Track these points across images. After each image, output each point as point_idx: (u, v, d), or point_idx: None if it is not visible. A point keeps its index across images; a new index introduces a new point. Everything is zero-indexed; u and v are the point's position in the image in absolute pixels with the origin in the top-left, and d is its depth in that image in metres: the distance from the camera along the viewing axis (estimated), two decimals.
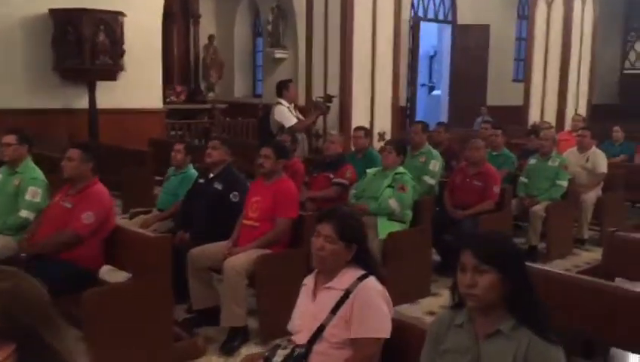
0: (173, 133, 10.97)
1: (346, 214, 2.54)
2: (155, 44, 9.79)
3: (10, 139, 4.32)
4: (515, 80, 14.59)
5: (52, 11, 8.58)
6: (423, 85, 16.12)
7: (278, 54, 12.55)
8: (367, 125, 7.61)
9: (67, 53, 8.58)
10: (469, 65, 14.28)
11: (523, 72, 12.69)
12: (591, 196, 6.59)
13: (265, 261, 3.91)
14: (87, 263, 3.66)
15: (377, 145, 7.66)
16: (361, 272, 2.41)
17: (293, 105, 6.95)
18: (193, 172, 5.16)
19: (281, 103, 6.77)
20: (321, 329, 2.35)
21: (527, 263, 2.06)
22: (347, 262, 2.43)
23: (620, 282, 3.64)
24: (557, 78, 11.70)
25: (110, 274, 4.14)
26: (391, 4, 8.50)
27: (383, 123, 8.61)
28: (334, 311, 2.35)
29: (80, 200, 3.71)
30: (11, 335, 1.16)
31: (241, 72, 14.50)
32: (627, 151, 8.56)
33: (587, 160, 6.79)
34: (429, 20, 14.51)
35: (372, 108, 8.50)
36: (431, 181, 5.96)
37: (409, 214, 4.93)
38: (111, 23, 8.65)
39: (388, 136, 8.33)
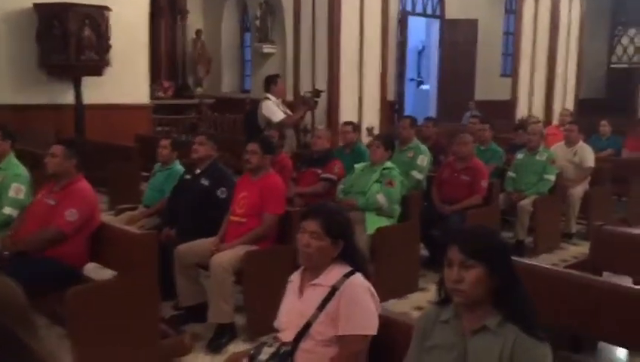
0: (160, 128, 10.90)
1: (332, 210, 2.51)
2: (141, 39, 9.71)
3: None
4: (503, 75, 14.62)
5: (37, 6, 8.50)
6: (411, 80, 16.14)
7: (266, 49, 12.51)
8: (355, 120, 7.59)
9: (52, 48, 8.51)
10: (457, 60, 14.32)
11: (511, 67, 12.71)
12: (578, 190, 6.61)
13: (252, 257, 3.89)
14: (71, 260, 3.62)
15: (365, 140, 7.64)
16: (348, 269, 2.39)
17: (280, 100, 6.92)
18: (179, 168, 5.12)
19: (268, 98, 6.74)
20: (307, 326, 2.33)
21: (514, 258, 2.05)
22: (334, 259, 2.41)
23: (607, 276, 3.66)
24: (544, 72, 11.73)
25: (96, 271, 4.11)
26: None
27: (371, 118, 8.60)
28: (321, 308, 2.33)
29: (63, 197, 3.66)
30: None
31: (228, 67, 14.44)
32: (614, 145, 8.60)
33: (574, 154, 6.81)
34: (417, 15, 14.51)
35: (360, 103, 8.48)
36: (419, 176, 5.95)
37: (397, 209, 4.93)
38: (96, 17, 8.58)
39: (376, 131, 8.31)
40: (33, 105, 8.51)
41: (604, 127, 8.71)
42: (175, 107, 12.46)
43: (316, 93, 7.78)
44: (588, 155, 6.80)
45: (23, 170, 4.27)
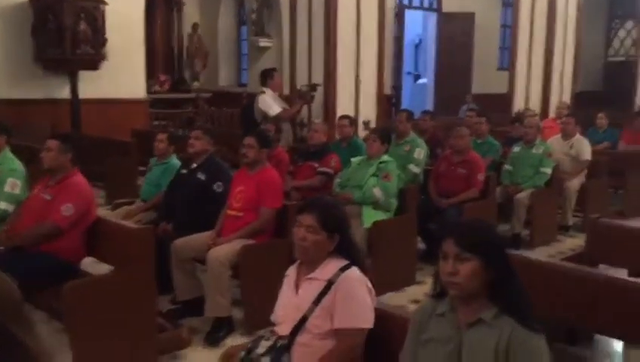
0: (156, 123, 10.87)
1: (328, 204, 2.52)
2: (137, 33, 9.66)
3: None
4: (500, 68, 14.60)
5: (32, 0, 8.45)
6: (408, 73, 16.11)
7: (263, 43, 12.45)
8: (351, 114, 7.58)
9: (48, 43, 8.48)
10: (454, 54, 14.29)
11: (508, 60, 12.69)
12: (575, 183, 6.62)
13: (249, 251, 3.89)
14: (68, 255, 3.61)
15: (362, 133, 7.64)
16: (344, 262, 2.39)
17: (277, 93, 6.91)
18: (176, 162, 5.11)
19: (265, 92, 6.73)
20: (303, 320, 2.33)
21: (510, 251, 2.05)
22: (330, 253, 2.41)
23: (603, 269, 3.66)
24: (541, 65, 11.71)
25: (93, 266, 4.10)
26: None
27: (368, 111, 8.59)
28: (317, 302, 2.33)
29: (59, 191, 3.65)
30: None
31: (225, 61, 14.39)
32: (611, 138, 8.60)
33: (571, 147, 6.82)
34: (414, 8, 14.48)
35: (357, 96, 8.48)
36: (416, 169, 5.96)
37: (394, 203, 4.93)
38: (92, 11, 8.55)
39: (373, 125, 8.31)
40: (29, 100, 8.50)
41: (601, 119, 8.71)
42: (172, 101, 12.42)
43: (313, 86, 7.77)
44: (584, 148, 6.81)
45: (18, 165, 4.26)
